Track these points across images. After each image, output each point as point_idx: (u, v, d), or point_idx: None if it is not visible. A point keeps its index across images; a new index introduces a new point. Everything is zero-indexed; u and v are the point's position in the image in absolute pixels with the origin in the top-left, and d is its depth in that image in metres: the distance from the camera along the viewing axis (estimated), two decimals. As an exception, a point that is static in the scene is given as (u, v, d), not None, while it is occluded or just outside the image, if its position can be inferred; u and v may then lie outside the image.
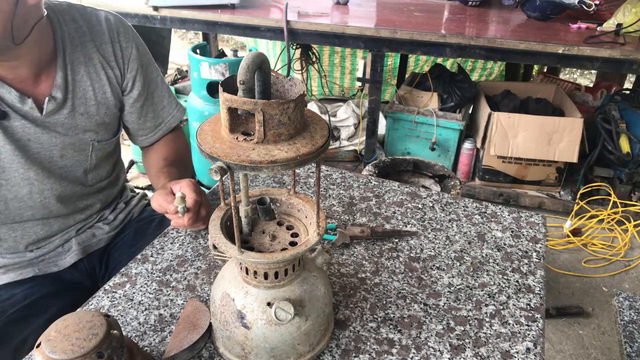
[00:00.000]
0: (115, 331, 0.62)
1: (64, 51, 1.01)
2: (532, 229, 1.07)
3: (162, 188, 0.97)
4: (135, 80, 1.13)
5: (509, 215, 1.12)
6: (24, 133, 0.99)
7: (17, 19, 0.87)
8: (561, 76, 4.14)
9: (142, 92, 1.15)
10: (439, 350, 0.78)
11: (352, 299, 0.87)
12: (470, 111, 2.92)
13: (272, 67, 2.73)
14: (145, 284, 0.90)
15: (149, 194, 2.00)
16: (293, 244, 0.71)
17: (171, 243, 1.00)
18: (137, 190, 1.39)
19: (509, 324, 0.83)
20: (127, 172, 2.78)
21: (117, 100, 1.12)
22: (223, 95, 0.57)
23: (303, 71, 3.02)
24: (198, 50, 2.77)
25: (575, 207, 2.55)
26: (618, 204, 2.53)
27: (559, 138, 2.50)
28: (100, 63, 1.06)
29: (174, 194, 0.94)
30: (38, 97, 0.99)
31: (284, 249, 0.69)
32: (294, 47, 2.91)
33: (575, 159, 2.52)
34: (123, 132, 1.24)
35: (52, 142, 1.03)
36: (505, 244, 1.02)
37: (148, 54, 1.17)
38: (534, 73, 3.95)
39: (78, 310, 0.81)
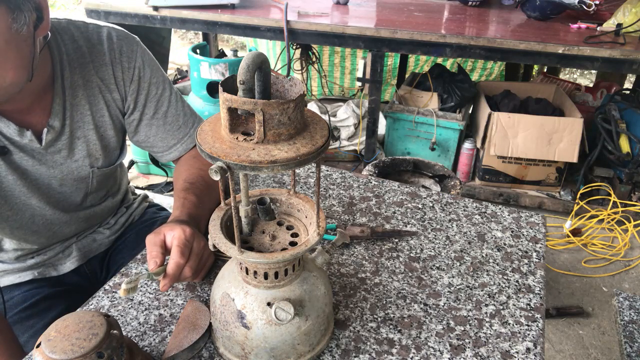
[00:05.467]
0: (115, 331, 0.62)
1: (62, 75, 0.94)
2: (532, 229, 1.07)
3: (156, 233, 0.85)
4: (137, 101, 1.05)
5: (509, 215, 1.12)
6: (22, 164, 0.95)
7: (36, 58, 0.83)
8: (561, 76, 4.14)
9: (146, 113, 1.07)
10: (439, 350, 0.78)
11: (352, 299, 0.87)
12: (470, 111, 2.92)
13: (272, 67, 2.73)
14: (146, 284, 0.90)
15: (150, 194, 1.99)
16: (293, 244, 0.71)
17: (171, 243, 1.00)
18: (137, 192, 1.37)
19: (509, 324, 0.83)
20: (128, 171, 2.79)
21: (116, 124, 1.06)
22: (223, 95, 0.57)
23: (303, 71, 3.02)
24: (198, 50, 2.78)
25: (575, 207, 2.55)
26: (618, 204, 2.53)
27: (559, 138, 2.50)
28: (98, 87, 1.00)
29: (165, 244, 0.84)
30: (36, 126, 0.94)
31: (284, 249, 0.69)
32: (294, 47, 2.91)
33: (575, 159, 2.52)
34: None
35: (51, 173, 0.99)
36: (505, 244, 1.02)
37: (158, 71, 1.08)
38: (534, 73, 3.95)
39: (78, 310, 0.81)
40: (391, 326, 0.82)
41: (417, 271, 0.94)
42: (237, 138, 0.59)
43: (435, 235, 1.04)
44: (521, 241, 1.03)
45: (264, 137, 0.58)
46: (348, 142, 2.93)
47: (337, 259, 0.97)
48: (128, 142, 1.14)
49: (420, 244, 1.02)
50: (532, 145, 2.53)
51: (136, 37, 1.05)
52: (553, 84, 3.11)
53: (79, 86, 0.97)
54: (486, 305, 0.87)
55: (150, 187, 2.80)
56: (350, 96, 3.67)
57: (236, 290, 0.70)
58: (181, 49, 5.34)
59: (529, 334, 0.81)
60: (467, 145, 2.75)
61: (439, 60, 3.69)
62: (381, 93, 2.45)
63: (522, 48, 2.07)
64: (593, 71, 4.47)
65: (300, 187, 1.20)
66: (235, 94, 0.57)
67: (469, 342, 0.79)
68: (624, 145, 2.51)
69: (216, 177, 0.55)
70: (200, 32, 3.57)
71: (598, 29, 2.26)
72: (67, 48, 0.95)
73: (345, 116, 2.95)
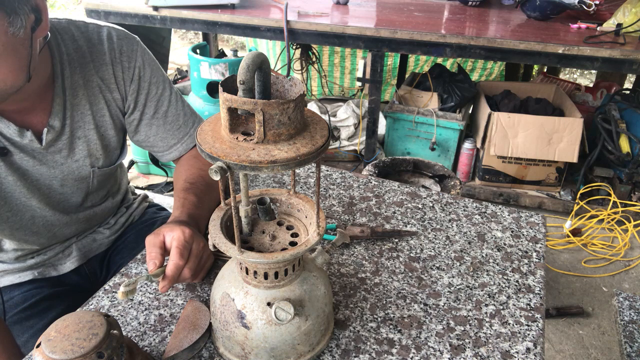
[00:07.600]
0: (115, 331, 0.62)
1: (62, 75, 0.94)
2: (532, 229, 1.07)
3: (155, 234, 0.85)
4: (137, 101, 1.05)
5: (509, 215, 1.12)
6: (23, 165, 0.95)
7: (34, 59, 0.82)
8: (561, 76, 4.14)
9: (146, 112, 1.07)
10: (439, 350, 0.78)
11: (352, 299, 0.87)
12: (470, 111, 2.92)
13: (272, 67, 2.73)
14: (145, 284, 0.90)
15: (150, 194, 1.99)
16: (293, 244, 0.71)
17: (171, 243, 1.00)
18: (137, 192, 1.37)
19: (509, 324, 0.83)
20: (128, 171, 2.79)
21: (116, 124, 1.06)
22: (223, 95, 0.57)
23: (303, 71, 3.02)
24: (198, 50, 2.78)
25: (575, 207, 2.55)
26: (618, 204, 2.53)
27: (559, 138, 2.50)
28: (98, 86, 1.00)
29: (164, 245, 0.85)
30: (36, 126, 0.94)
31: (284, 249, 0.69)
32: (294, 47, 2.91)
33: (575, 159, 2.52)
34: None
35: (52, 173, 0.99)
36: (505, 244, 1.02)
37: (158, 71, 1.07)
38: (534, 73, 3.95)
39: (78, 310, 0.81)
40: (391, 326, 0.82)
41: (417, 271, 0.94)
42: (237, 138, 0.59)
43: (435, 235, 1.04)
44: (521, 241, 1.03)
45: (264, 137, 0.58)
46: (348, 142, 2.93)
47: (337, 259, 0.97)
48: (128, 142, 1.14)
49: (420, 244, 1.02)
50: (532, 145, 2.53)
51: (136, 36, 1.05)
52: (553, 84, 3.11)
53: (79, 86, 0.97)
54: (486, 305, 0.87)
55: (150, 187, 2.80)
56: (350, 96, 3.67)
57: (236, 290, 0.70)
58: (181, 49, 5.34)
59: (529, 334, 0.81)
60: (467, 145, 2.75)
61: (439, 60, 3.69)
62: (381, 93, 2.45)
63: (522, 48, 2.07)
64: (593, 71, 4.47)
65: (300, 187, 1.20)
66: (235, 94, 0.57)
67: (469, 342, 0.79)
68: (624, 145, 2.51)
69: (216, 177, 0.55)
70: (200, 32, 3.57)
71: (598, 29, 2.26)
72: (67, 48, 0.95)
73: (345, 116, 2.95)
